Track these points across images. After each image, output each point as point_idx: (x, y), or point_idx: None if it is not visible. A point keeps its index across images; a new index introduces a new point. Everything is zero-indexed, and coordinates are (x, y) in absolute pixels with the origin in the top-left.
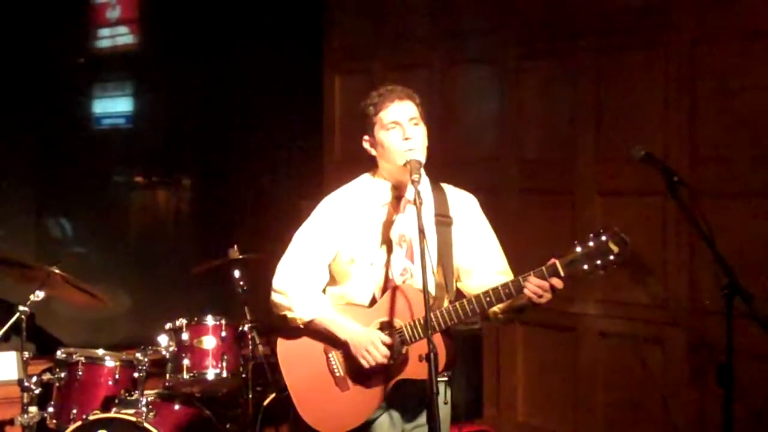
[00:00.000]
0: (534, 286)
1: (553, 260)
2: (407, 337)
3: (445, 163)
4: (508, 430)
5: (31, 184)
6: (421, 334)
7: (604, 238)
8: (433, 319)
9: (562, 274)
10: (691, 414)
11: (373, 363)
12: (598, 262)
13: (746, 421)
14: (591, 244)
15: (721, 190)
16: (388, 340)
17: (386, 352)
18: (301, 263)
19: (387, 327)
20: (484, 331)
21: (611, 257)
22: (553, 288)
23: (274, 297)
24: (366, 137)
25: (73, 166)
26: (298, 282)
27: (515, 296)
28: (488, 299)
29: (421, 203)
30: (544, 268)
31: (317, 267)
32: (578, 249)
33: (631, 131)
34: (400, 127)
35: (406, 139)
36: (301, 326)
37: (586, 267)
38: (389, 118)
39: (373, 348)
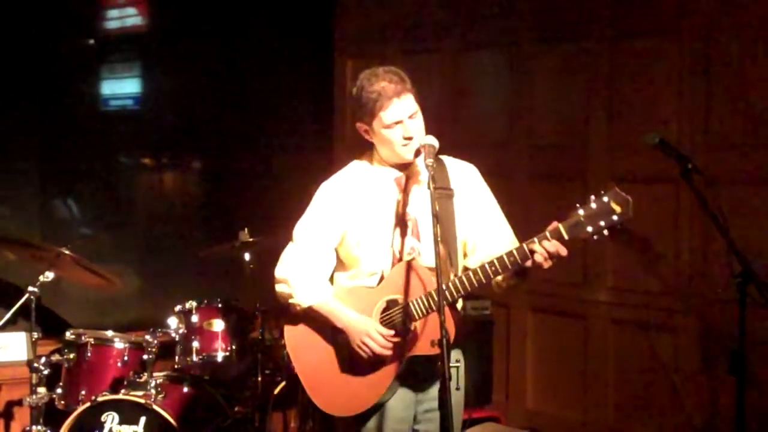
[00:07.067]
0: (538, 254)
1: (555, 224)
2: (414, 314)
3: (456, 148)
4: (516, 416)
5: (39, 165)
6: (428, 310)
7: (605, 198)
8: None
9: (566, 237)
10: (702, 401)
11: (370, 354)
12: (602, 222)
13: (758, 409)
14: (593, 205)
15: (735, 177)
16: (385, 331)
17: (384, 342)
18: (303, 251)
19: (393, 304)
20: (494, 317)
21: (614, 217)
22: (558, 252)
23: (277, 287)
24: (361, 125)
25: (81, 148)
26: (299, 269)
27: (521, 264)
28: (494, 268)
29: (435, 188)
30: (547, 232)
31: (320, 254)
32: (580, 211)
33: (644, 117)
34: (402, 125)
35: (408, 137)
36: (302, 312)
37: (590, 229)
38: (390, 119)
39: (368, 339)
